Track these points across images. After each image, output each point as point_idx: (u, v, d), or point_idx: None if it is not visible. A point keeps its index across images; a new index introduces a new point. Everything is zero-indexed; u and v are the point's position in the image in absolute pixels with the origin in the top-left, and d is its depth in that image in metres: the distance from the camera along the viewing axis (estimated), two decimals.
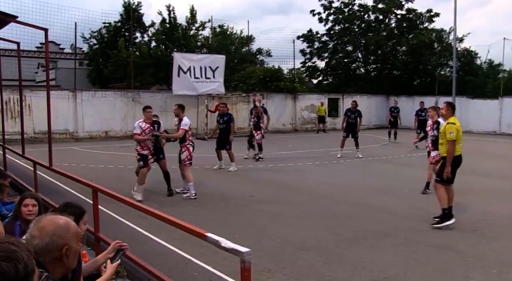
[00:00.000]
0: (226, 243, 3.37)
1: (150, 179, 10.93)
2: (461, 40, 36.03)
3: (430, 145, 10.88)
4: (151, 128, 10.38)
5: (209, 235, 3.55)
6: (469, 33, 43.14)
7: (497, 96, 29.87)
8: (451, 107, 8.34)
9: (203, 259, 6.27)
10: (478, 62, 36.11)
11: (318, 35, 39.34)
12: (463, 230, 7.94)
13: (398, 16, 38.62)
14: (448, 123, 8.07)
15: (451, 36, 34.40)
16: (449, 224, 7.93)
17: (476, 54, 36.14)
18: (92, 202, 5.61)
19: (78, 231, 2.58)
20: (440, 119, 10.24)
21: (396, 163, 16.50)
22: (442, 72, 36.87)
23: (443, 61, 36.83)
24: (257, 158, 16.10)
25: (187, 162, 10.58)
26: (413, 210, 9.38)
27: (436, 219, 8.11)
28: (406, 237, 7.49)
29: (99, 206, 5.66)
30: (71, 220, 2.59)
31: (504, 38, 30.55)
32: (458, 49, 34.36)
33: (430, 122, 10.97)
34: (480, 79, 33.52)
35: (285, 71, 33.55)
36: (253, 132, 16.19)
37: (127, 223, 8.03)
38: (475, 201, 10.29)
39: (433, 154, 10.64)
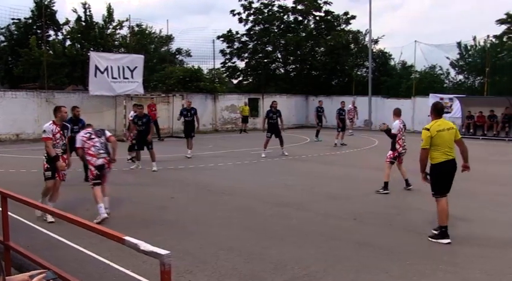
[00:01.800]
0: (145, 246, 3.26)
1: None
2: (376, 42, 37.44)
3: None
4: (61, 132, 8.82)
5: (127, 238, 3.43)
6: (383, 36, 44.90)
7: (410, 96, 31.28)
8: (433, 109, 7.63)
9: (122, 263, 6.10)
10: (392, 63, 37.60)
11: (238, 35, 39.51)
12: (380, 225, 8.22)
13: (317, 18, 39.53)
14: (423, 128, 7.52)
15: (367, 38, 35.66)
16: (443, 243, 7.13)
17: (391, 55, 37.68)
18: (0, 209, 5.28)
19: None
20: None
21: (317, 161, 16.86)
22: (359, 73, 38.08)
23: (359, 62, 38.06)
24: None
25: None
26: (333, 207, 9.60)
27: (434, 232, 7.42)
28: (327, 234, 7.64)
29: (9, 213, 5.35)
30: None
31: (415, 41, 32.07)
32: (374, 50, 35.69)
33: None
34: (394, 79, 34.92)
35: (205, 71, 33.42)
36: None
37: (41, 229, 7.67)
38: (391, 196, 10.71)
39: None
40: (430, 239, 7.26)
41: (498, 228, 8.08)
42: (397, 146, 11.28)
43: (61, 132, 8.75)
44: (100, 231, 3.77)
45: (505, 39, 33.71)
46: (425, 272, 5.96)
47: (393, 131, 11.34)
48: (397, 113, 11.97)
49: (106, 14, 30.87)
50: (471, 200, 10.37)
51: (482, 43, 32.67)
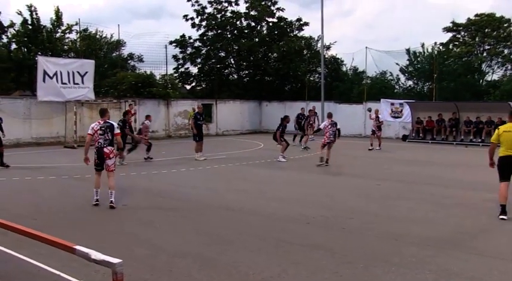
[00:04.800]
0: (96, 255, 3.19)
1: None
2: (328, 48, 37.89)
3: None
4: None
5: (78, 247, 3.35)
6: (335, 42, 45.19)
7: (362, 101, 31.84)
8: (509, 115, 9.39)
9: (73, 274, 5.92)
10: (344, 68, 38.13)
11: (191, 41, 39.27)
12: (332, 228, 8.31)
13: (270, 24, 39.75)
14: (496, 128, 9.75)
15: (319, 44, 36.10)
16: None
17: (342, 61, 38.17)
18: None
19: None
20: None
21: (269, 167, 16.90)
22: (311, 78, 38.46)
23: (312, 68, 38.45)
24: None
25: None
26: (285, 212, 9.63)
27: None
28: (279, 238, 7.65)
29: None
30: None
31: (366, 47, 32.73)
32: (326, 56, 36.11)
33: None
34: (346, 85, 35.43)
35: (158, 77, 33.01)
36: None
37: None
38: (343, 200, 10.84)
39: None
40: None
41: (437, 229, 8.29)
42: (325, 137, 16.48)
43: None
44: (49, 241, 3.66)
45: (451, 47, 34.85)
46: (378, 275, 6.04)
47: (320, 127, 17.30)
48: (328, 115, 17.49)
49: (54, 17, 30.08)
50: (419, 202, 10.58)
51: (430, 50, 33.69)
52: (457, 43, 35.28)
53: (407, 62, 34.67)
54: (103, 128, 10.09)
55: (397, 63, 34.46)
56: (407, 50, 34.22)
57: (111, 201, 9.80)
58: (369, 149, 22.33)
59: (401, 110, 29.63)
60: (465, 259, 6.64)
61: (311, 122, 26.64)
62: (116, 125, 10.58)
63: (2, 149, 15.97)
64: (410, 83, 35.57)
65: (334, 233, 7.99)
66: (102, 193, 10.10)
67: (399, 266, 6.33)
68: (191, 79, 41.01)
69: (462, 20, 35.35)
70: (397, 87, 35.68)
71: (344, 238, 7.72)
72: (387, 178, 14.15)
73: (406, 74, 35.25)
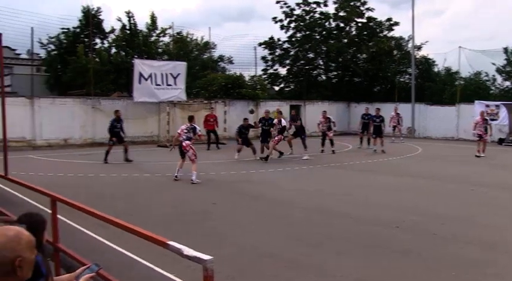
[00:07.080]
0: (188, 251, 3.32)
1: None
2: (419, 48, 36.75)
3: None
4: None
5: (171, 243, 3.50)
6: (426, 42, 43.37)
7: (454, 103, 30.63)
8: None
9: (166, 268, 6.20)
10: (436, 69, 36.85)
11: (280, 42, 39.50)
12: (424, 234, 8.09)
13: (359, 24, 39.18)
14: None
15: (410, 44, 35.15)
16: None
17: (434, 62, 36.89)
18: (50, 212, 5.46)
19: (31, 239, 2.47)
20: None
21: (357, 169, 16.70)
22: (402, 79, 37.46)
23: (402, 68, 37.47)
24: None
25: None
26: (372, 215, 9.50)
27: None
28: (368, 242, 7.57)
29: (58, 216, 5.52)
30: (23, 228, 2.49)
31: (460, 47, 31.46)
32: (417, 57, 35.07)
33: None
34: (438, 86, 34.22)
35: (247, 78, 33.49)
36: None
37: (87, 232, 7.88)
38: (435, 205, 10.54)
39: None
40: None
41: None
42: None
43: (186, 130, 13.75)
44: (144, 235, 3.86)
45: None
46: None
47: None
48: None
49: (150, 22, 31.51)
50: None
51: None
52: None
53: (505, 62, 32.87)
54: (188, 129, 13.75)
55: (493, 63, 32.79)
56: (505, 49, 32.44)
57: (192, 179, 13.12)
58: (476, 156, 20.23)
59: (497, 113, 28.15)
60: None
61: (394, 124, 26.33)
62: (198, 128, 14.11)
63: (126, 145, 18.06)
64: (507, 83, 33.71)
65: (425, 239, 7.76)
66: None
67: (496, 277, 6.07)
68: (280, 80, 41.23)
69: None
70: (493, 88, 33.94)
71: (435, 244, 7.49)
72: (483, 183, 13.51)
73: (504, 75, 33.40)
